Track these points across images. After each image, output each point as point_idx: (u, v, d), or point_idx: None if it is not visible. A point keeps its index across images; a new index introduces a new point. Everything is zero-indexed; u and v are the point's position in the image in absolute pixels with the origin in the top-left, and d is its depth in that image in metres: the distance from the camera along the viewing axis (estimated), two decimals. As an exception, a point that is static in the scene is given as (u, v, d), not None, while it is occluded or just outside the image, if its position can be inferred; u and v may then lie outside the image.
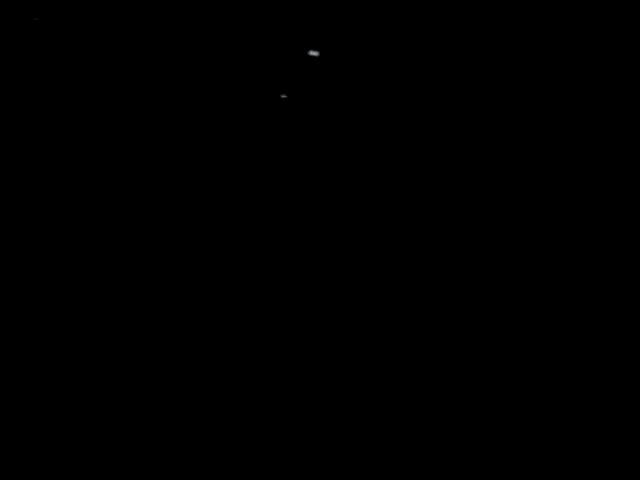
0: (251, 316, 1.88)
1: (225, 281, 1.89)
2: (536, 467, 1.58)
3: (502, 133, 1.89)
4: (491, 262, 1.85)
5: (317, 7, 1.90)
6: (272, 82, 1.91)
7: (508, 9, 1.84)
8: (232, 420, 1.64)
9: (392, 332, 1.86)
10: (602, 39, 1.85)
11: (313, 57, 1.81)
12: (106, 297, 1.88)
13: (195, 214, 1.91)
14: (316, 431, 1.61)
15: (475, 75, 1.91)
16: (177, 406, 1.66)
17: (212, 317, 1.89)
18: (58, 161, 1.97)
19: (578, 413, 1.62)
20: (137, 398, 1.67)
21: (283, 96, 1.83)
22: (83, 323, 1.88)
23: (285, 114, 1.93)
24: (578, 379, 1.66)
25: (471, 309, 1.85)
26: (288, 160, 1.91)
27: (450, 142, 1.89)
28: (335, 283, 1.87)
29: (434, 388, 1.69)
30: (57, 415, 1.62)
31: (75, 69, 2.00)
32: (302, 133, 1.91)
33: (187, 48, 1.91)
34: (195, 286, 1.89)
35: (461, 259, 1.87)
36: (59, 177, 1.97)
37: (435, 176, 1.87)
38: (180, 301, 1.90)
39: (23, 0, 1.93)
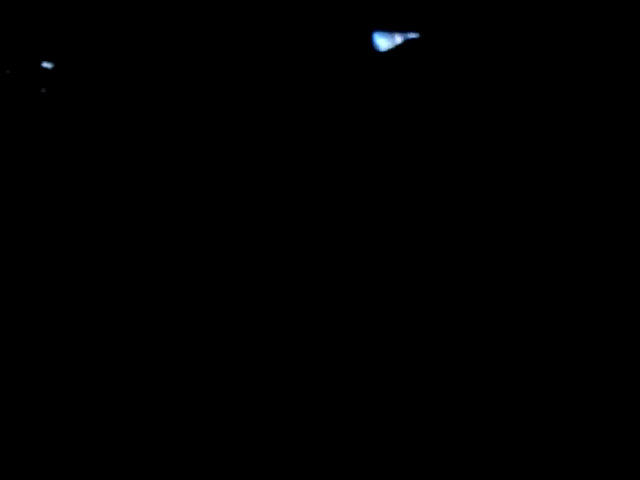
0: (251, 318, 1.83)
1: (224, 283, 1.83)
2: (536, 467, 1.59)
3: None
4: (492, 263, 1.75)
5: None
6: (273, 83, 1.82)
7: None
8: (232, 420, 1.66)
9: (393, 333, 1.80)
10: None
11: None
12: (104, 297, 1.87)
13: (195, 215, 1.86)
14: (316, 431, 1.64)
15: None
16: (177, 406, 1.70)
17: (211, 319, 1.83)
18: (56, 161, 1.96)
19: (578, 413, 1.63)
20: (137, 398, 1.72)
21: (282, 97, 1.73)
22: (82, 323, 1.86)
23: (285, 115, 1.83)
24: (578, 379, 1.67)
25: (472, 310, 1.78)
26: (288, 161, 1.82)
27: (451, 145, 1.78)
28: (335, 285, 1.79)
29: (434, 388, 1.70)
30: (57, 415, 1.68)
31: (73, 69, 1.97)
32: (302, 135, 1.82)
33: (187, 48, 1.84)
34: (194, 288, 1.85)
35: (462, 261, 1.77)
36: (59, 178, 1.95)
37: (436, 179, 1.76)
38: (179, 303, 1.86)
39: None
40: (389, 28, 2.02)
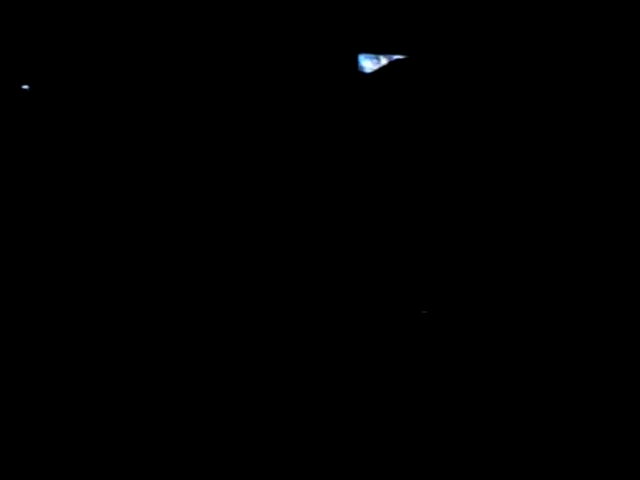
0: (250, 319, 1.83)
1: (224, 285, 1.84)
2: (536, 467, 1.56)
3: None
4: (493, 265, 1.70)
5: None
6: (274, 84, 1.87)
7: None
8: (232, 420, 1.65)
9: (392, 334, 1.77)
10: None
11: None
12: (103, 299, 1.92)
13: (195, 216, 1.90)
14: (316, 432, 1.62)
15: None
16: (177, 407, 1.69)
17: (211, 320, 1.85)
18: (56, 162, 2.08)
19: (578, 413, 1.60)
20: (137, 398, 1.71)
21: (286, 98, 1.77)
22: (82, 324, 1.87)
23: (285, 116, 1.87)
24: (578, 379, 1.64)
25: (472, 312, 1.70)
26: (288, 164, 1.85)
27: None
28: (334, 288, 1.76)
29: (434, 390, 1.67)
30: (57, 415, 1.67)
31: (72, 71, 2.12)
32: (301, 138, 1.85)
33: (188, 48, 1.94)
34: (193, 289, 1.87)
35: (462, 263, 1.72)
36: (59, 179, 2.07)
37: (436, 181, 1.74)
38: (179, 305, 1.88)
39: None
40: (374, 51, 2.06)
